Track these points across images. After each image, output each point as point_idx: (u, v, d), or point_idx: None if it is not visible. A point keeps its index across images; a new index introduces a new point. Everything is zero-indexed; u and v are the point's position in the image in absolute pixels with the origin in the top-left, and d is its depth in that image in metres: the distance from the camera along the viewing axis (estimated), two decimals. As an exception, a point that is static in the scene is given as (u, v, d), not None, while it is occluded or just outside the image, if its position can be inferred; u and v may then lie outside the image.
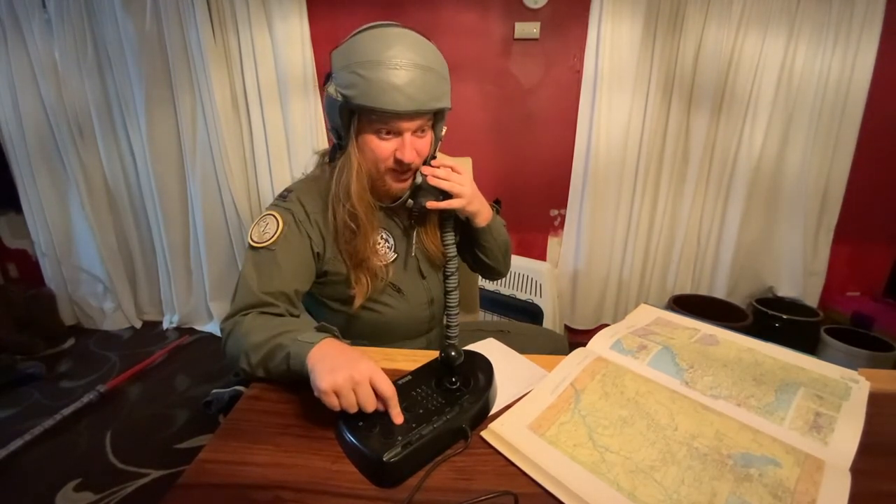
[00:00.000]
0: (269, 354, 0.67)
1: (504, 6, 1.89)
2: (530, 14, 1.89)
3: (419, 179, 0.81)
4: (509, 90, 2.00)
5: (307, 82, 1.99)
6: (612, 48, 1.85)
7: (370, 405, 0.56)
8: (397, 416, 0.57)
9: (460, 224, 0.93)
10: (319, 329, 0.68)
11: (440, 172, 0.81)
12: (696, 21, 1.82)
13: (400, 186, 0.82)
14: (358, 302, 0.85)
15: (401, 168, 0.78)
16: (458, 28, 1.93)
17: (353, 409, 0.56)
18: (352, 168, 0.78)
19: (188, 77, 2.02)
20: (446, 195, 0.82)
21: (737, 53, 1.84)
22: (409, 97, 0.71)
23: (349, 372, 0.56)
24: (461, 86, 1.96)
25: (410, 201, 0.83)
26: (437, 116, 0.80)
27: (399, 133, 0.76)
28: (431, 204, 0.81)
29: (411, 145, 0.76)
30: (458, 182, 0.82)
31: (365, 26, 0.74)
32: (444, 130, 0.83)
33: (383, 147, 0.77)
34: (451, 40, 1.92)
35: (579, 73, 1.93)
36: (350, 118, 0.76)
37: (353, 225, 0.80)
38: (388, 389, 0.57)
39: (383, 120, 0.74)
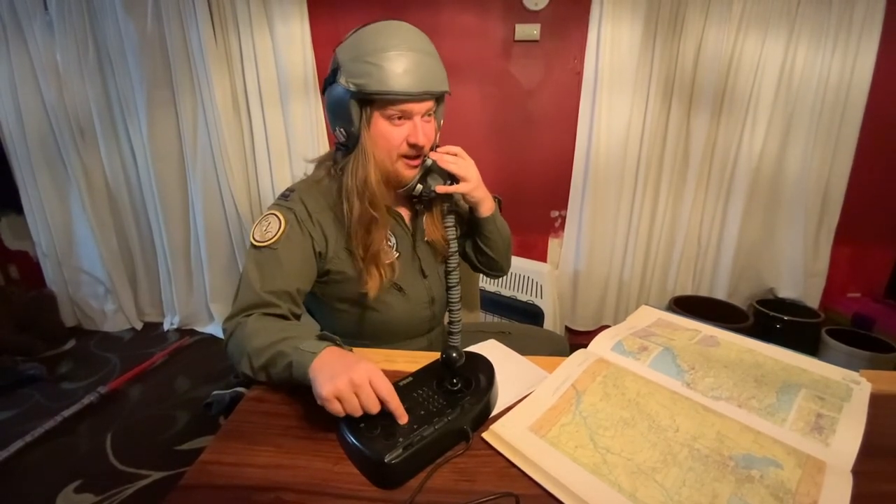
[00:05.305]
0: (270, 361, 0.67)
1: (504, 8, 1.89)
2: (531, 16, 1.89)
3: (428, 162, 0.84)
4: (510, 92, 2.00)
5: (308, 83, 1.99)
6: (613, 50, 1.85)
7: (374, 407, 0.56)
8: (402, 417, 0.57)
9: (464, 221, 0.96)
10: (321, 338, 0.68)
11: (448, 157, 0.85)
12: (697, 22, 1.82)
13: (411, 173, 0.84)
14: (373, 294, 0.85)
15: (413, 152, 0.81)
16: (459, 30, 1.93)
17: (358, 413, 0.55)
18: (367, 159, 0.79)
19: (189, 78, 2.02)
20: (454, 180, 0.86)
21: (737, 55, 1.84)
22: (420, 78, 0.75)
23: (348, 376, 0.56)
24: (462, 87, 1.96)
25: (419, 186, 0.85)
26: (438, 103, 0.83)
27: (409, 117, 0.78)
28: (441, 188, 0.85)
29: (422, 128, 0.79)
30: (465, 166, 0.85)
31: (365, 23, 0.77)
32: (442, 120, 0.86)
33: (396, 133, 0.79)
34: (451, 42, 1.92)
35: (579, 74, 1.93)
36: (361, 109, 0.77)
37: (374, 214, 0.81)
38: (386, 389, 0.57)
39: (395, 104, 0.76)
